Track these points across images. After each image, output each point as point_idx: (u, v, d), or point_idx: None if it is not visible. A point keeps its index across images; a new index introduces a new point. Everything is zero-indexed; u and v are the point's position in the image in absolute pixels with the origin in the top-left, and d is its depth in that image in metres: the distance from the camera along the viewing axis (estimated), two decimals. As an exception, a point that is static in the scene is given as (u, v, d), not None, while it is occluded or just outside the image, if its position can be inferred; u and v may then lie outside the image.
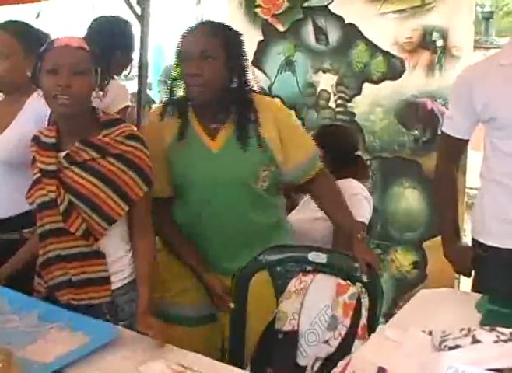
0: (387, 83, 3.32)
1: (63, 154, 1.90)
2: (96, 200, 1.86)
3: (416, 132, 3.31)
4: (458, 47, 3.14)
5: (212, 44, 2.06)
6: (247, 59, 2.19)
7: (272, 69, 3.63)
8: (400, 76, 3.29)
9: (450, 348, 1.69)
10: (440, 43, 3.17)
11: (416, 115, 3.29)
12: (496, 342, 1.69)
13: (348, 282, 2.02)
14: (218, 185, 2.16)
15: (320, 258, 2.10)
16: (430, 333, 1.79)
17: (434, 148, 3.20)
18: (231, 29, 2.18)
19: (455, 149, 2.41)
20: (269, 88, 3.66)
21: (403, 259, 3.46)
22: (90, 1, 10.47)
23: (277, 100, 2.39)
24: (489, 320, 1.92)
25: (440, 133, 3.20)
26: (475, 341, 1.70)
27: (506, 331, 1.74)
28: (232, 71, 2.10)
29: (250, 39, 3.57)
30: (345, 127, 3.22)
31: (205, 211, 2.20)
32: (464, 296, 2.25)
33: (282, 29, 3.52)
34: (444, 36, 3.15)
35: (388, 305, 3.53)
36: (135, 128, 1.99)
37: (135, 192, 1.91)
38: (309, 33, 3.48)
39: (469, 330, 1.76)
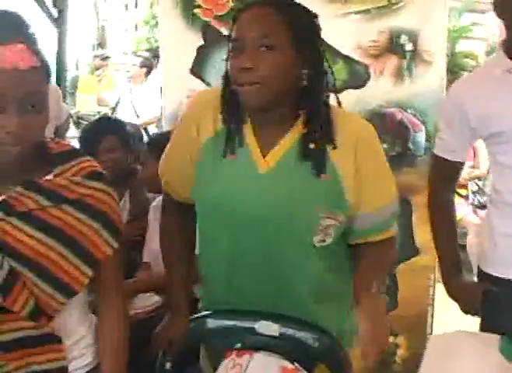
0: (349, 92, 2.94)
1: None
2: (48, 265, 1.34)
3: (385, 146, 2.95)
4: (430, 51, 2.84)
5: (274, 29, 1.49)
6: (323, 50, 1.59)
7: (215, 78, 3.17)
8: (364, 84, 2.94)
9: None
10: (409, 47, 2.86)
11: (384, 127, 2.95)
12: None
13: (297, 365, 1.58)
14: (254, 223, 1.57)
15: (271, 329, 1.63)
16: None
17: (405, 162, 2.94)
18: (304, 8, 1.59)
19: (452, 173, 2.17)
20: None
21: (371, 287, 3.12)
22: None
23: (367, 122, 1.73)
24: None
25: (410, 146, 2.99)
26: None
27: None
28: (302, 65, 1.52)
29: (189, 44, 3.17)
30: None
31: (232, 253, 1.64)
32: (479, 339, 1.95)
33: (225, 32, 3.06)
34: (414, 39, 2.84)
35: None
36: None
37: (102, 250, 1.42)
38: (257, 36, 3.09)
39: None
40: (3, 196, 1.37)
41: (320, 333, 1.64)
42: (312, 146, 1.56)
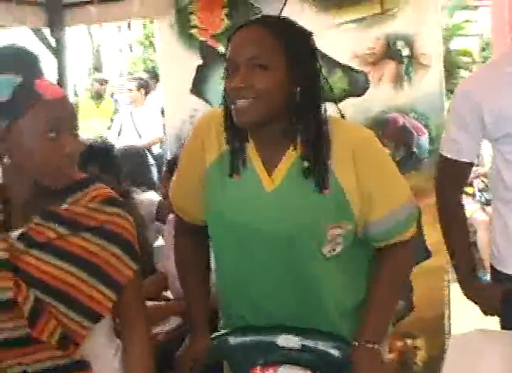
0: (350, 100, 2.98)
1: (16, 234, 1.40)
2: (72, 292, 1.37)
3: (388, 151, 2.99)
4: (427, 54, 2.86)
5: (266, 49, 1.51)
6: (318, 67, 1.60)
7: (216, 96, 3.17)
8: (364, 91, 2.98)
9: None
10: (406, 52, 2.88)
11: (387, 132, 2.97)
12: None
13: None
14: (263, 239, 1.59)
15: (293, 342, 1.64)
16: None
17: (410, 166, 2.95)
18: (297, 27, 1.60)
19: (462, 174, 2.14)
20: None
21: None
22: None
23: (365, 129, 1.71)
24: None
25: (414, 149, 3.01)
26: None
27: None
28: (295, 83, 1.53)
29: (188, 64, 3.21)
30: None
31: (248, 270, 1.65)
32: (499, 337, 1.98)
33: (223, 50, 3.11)
34: (410, 44, 2.87)
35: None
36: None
37: (124, 274, 1.44)
38: (255, 52, 3.12)
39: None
40: (22, 229, 1.40)
41: (342, 343, 1.65)
42: (306, 164, 1.57)
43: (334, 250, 1.60)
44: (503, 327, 2.10)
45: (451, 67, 10.07)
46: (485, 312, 2.14)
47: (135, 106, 6.53)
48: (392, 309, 1.73)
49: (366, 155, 1.61)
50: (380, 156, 1.66)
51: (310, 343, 1.65)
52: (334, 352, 1.64)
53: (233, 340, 1.72)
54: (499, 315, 2.12)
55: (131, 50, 19.56)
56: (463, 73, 10.40)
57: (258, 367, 1.64)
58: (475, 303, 2.15)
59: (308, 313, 1.66)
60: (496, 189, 2.09)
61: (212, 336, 1.76)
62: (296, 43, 1.55)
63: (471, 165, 2.11)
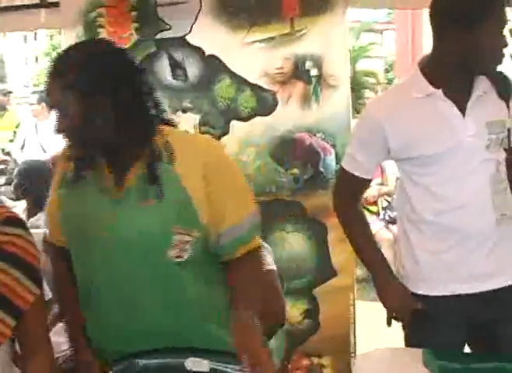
0: (258, 119, 3.01)
1: None
2: None
3: (296, 170, 3.03)
4: (334, 75, 2.92)
5: (58, 93, 1.56)
6: (132, 88, 1.60)
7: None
8: (272, 111, 3.00)
9: None
10: (314, 72, 2.93)
11: (294, 152, 3.00)
12: None
13: None
14: (112, 247, 1.63)
15: (201, 365, 1.64)
16: None
17: (318, 185, 3.00)
18: (92, 56, 1.58)
19: (360, 188, 2.18)
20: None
21: (293, 309, 3.13)
22: None
23: (213, 142, 1.87)
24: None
25: (321, 169, 3.05)
26: None
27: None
28: (102, 112, 1.56)
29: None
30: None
31: (97, 280, 1.67)
32: (404, 354, 2.01)
33: (132, 65, 3.08)
34: (319, 64, 2.92)
35: (281, 359, 3.21)
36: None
37: (24, 298, 1.38)
38: (164, 68, 3.08)
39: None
40: None
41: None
42: (149, 174, 1.62)
43: (181, 256, 1.63)
44: (407, 344, 2.13)
45: (357, 88, 10.40)
46: (392, 317, 2.09)
47: (40, 119, 6.37)
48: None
49: (216, 168, 1.67)
50: (229, 168, 1.74)
51: (219, 366, 1.64)
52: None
53: (141, 363, 1.68)
54: (403, 324, 2.13)
55: (37, 61, 19.09)
56: (368, 93, 10.73)
57: None
58: (387, 306, 2.09)
59: (169, 317, 1.66)
60: (402, 209, 2.12)
61: (118, 358, 1.71)
62: (86, 78, 1.54)
63: (368, 181, 2.15)
